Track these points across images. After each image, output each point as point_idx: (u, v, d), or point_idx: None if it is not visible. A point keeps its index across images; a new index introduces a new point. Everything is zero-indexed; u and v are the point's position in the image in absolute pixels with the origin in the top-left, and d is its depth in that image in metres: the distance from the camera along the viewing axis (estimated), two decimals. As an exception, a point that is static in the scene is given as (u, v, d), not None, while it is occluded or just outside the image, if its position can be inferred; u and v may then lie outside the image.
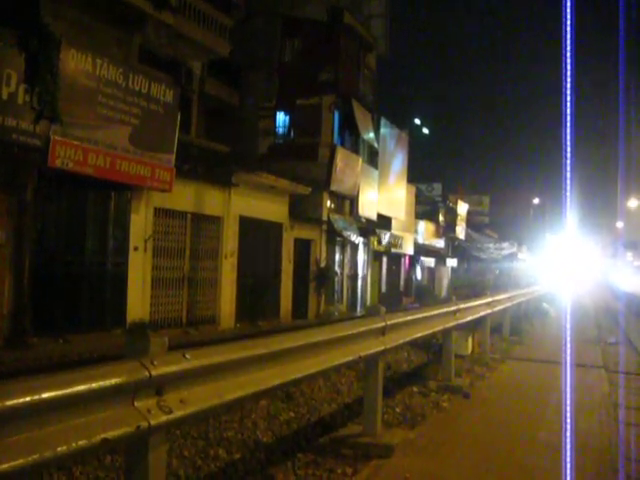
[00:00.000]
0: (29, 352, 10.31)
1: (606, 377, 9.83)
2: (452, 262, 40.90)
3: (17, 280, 11.02)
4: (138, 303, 13.57)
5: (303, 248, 20.44)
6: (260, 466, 5.16)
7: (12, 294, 10.98)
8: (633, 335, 15.74)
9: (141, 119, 13.00)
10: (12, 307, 10.97)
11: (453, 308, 9.09)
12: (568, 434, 5.67)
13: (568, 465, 5.25)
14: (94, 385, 2.80)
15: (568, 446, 5.64)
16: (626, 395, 8.38)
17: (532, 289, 21.11)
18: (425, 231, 34.90)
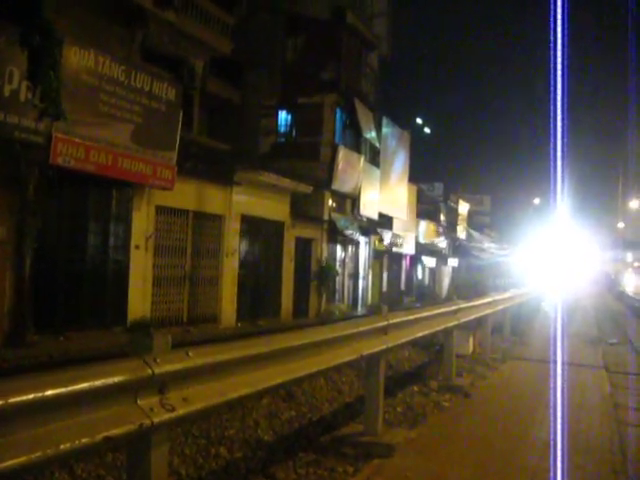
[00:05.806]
0: (30, 350, 10.30)
1: (607, 378, 9.83)
2: (453, 262, 40.87)
3: (18, 277, 11.01)
4: (139, 301, 13.57)
5: (304, 247, 20.42)
6: (261, 465, 5.16)
7: (13, 291, 10.97)
8: (634, 335, 15.73)
9: (143, 117, 13.00)
10: (13, 304, 10.96)
11: (454, 308, 9.10)
12: (564, 434, 5.67)
13: (568, 466, 5.25)
14: (97, 383, 2.79)
15: (568, 447, 5.65)
16: (627, 396, 8.38)
17: (532, 289, 21.13)
18: (426, 231, 34.87)
